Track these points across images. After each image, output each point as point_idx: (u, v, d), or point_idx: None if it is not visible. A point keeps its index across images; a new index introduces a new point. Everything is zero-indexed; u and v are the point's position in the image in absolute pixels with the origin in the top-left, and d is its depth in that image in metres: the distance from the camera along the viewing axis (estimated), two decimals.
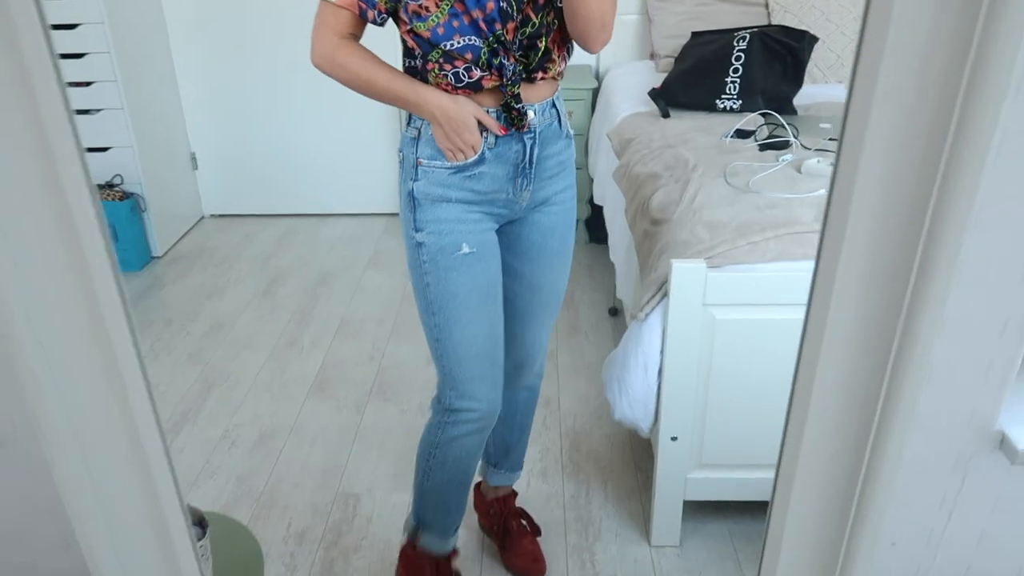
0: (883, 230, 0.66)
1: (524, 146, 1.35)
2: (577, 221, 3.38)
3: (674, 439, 1.75)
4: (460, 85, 1.29)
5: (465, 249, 1.36)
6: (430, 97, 1.29)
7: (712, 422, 1.74)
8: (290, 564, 1.87)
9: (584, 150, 3.28)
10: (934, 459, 0.82)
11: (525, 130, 1.33)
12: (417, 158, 1.34)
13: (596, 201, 2.98)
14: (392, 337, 2.80)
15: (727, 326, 1.64)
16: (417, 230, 1.37)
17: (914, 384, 0.67)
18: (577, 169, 3.40)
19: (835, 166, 0.70)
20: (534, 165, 1.38)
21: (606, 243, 2.72)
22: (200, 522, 1.14)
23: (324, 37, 1.28)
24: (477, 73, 1.27)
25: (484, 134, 1.31)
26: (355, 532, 1.96)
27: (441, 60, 1.28)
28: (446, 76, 1.28)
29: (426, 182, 1.34)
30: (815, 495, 0.79)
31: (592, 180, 3.14)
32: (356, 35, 1.31)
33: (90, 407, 0.79)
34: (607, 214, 2.68)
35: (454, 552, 1.69)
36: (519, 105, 1.30)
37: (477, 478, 1.93)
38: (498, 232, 1.45)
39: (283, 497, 2.08)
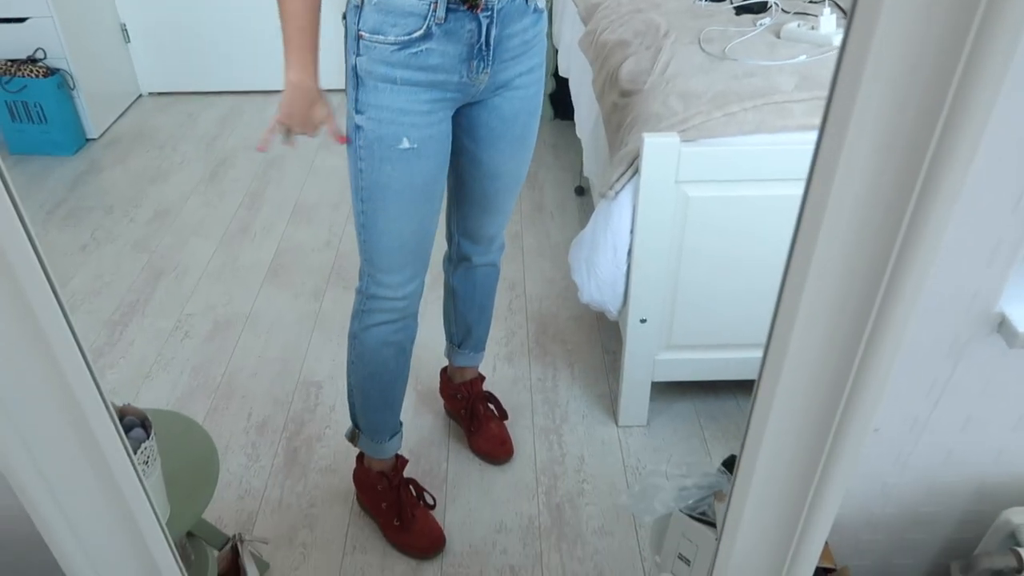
0: (899, 99, 0.56)
1: (479, 24, 1.19)
2: (548, 96, 3.23)
3: (643, 321, 1.70)
4: None
5: (405, 144, 1.24)
6: (303, 74, 1.24)
7: (682, 303, 1.69)
8: (252, 455, 1.83)
9: (548, 18, 3.07)
10: (928, 344, 0.76)
11: (480, 10, 1.17)
12: (359, 30, 1.19)
13: (561, 73, 2.81)
14: (349, 220, 2.68)
15: (700, 204, 1.56)
16: (358, 112, 1.25)
17: (922, 267, 0.60)
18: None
19: (847, 29, 0.59)
20: (492, 46, 1.22)
21: (572, 119, 2.59)
22: (143, 423, 1.07)
23: None
24: None
25: (432, 6, 1.15)
26: (318, 421, 1.92)
27: None
28: None
29: (368, 58, 1.20)
30: (805, 378, 0.73)
31: (557, 51, 2.95)
32: None
33: None
34: (573, 87, 2.53)
35: (401, 461, 1.64)
36: None
37: (443, 363, 1.88)
38: (455, 114, 1.32)
39: (241, 388, 2.02)
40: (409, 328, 1.48)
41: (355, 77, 1.24)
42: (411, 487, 1.65)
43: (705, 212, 1.57)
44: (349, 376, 1.55)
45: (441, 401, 1.93)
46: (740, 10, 2.05)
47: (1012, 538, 0.87)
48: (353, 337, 1.49)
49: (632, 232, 1.60)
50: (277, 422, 1.92)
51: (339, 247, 2.55)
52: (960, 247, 0.70)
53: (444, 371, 1.89)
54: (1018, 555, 0.86)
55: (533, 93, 1.37)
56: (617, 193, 1.59)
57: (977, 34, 0.53)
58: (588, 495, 1.73)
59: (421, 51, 1.19)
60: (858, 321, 0.65)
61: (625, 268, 1.66)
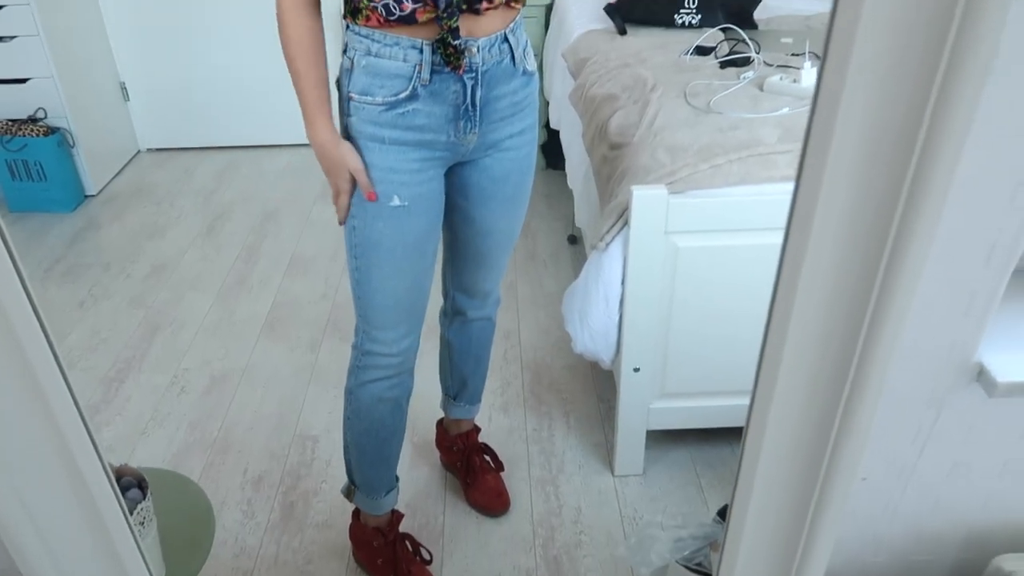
0: (869, 154, 0.59)
1: (464, 85, 1.21)
2: (540, 147, 3.29)
3: (636, 370, 1.71)
4: (392, 19, 1.15)
5: (396, 201, 1.26)
6: (321, 131, 1.25)
7: (674, 352, 1.70)
8: (248, 511, 1.82)
9: (540, 71, 3.14)
10: (910, 393, 0.78)
11: (462, 71, 1.20)
12: (349, 92, 1.23)
13: (552, 125, 2.87)
14: (345, 273, 2.70)
15: (689, 254, 1.59)
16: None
17: (898, 318, 0.62)
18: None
19: (818, 83, 0.63)
20: (478, 107, 1.25)
21: (563, 168, 2.64)
22: (140, 483, 1.07)
23: None
24: (409, 5, 1.13)
25: (417, 67, 1.19)
26: (314, 475, 1.92)
27: None
28: (376, 8, 1.15)
29: (358, 118, 1.23)
30: (791, 430, 0.75)
31: (548, 103, 3.02)
32: None
33: None
34: (564, 138, 2.58)
35: (396, 516, 1.63)
36: (456, 42, 1.16)
37: (438, 416, 1.89)
38: (448, 173, 1.35)
39: (238, 443, 2.01)
40: (405, 384, 1.48)
41: (347, 137, 1.27)
42: (407, 542, 1.64)
43: (694, 262, 1.60)
44: (345, 432, 1.55)
45: (437, 453, 1.93)
46: (724, 64, 2.11)
47: None
48: (349, 393, 1.50)
49: (623, 282, 1.63)
50: (273, 477, 1.91)
51: (335, 299, 2.57)
52: (936, 298, 0.72)
53: (440, 423, 1.90)
54: None
55: (525, 154, 1.39)
56: (608, 244, 1.62)
57: (939, 94, 0.56)
58: (585, 547, 1.72)
59: (408, 111, 1.21)
60: (839, 371, 0.67)
61: (617, 318, 1.68)
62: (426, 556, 1.65)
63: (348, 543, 1.71)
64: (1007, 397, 0.76)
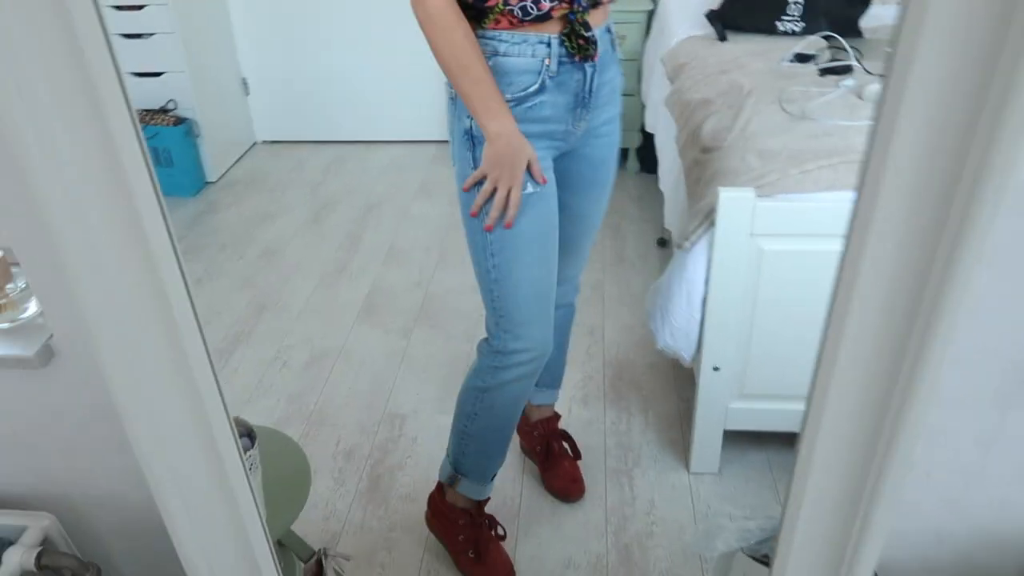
0: (929, 156, 0.63)
1: (585, 74, 1.28)
2: (628, 149, 3.33)
3: (716, 369, 1.74)
4: (527, 18, 1.20)
5: (529, 188, 1.30)
6: (503, 120, 1.22)
7: (755, 353, 1.72)
8: (339, 479, 1.95)
9: (637, 76, 3.19)
10: (974, 392, 0.80)
11: (595, 59, 1.26)
12: None
13: (648, 129, 2.91)
14: (439, 265, 2.83)
15: (774, 257, 1.61)
16: (476, 168, 1.31)
17: (952, 315, 0.65)
18: (629, 96, 3.31)
19: (883, 88, 0.67)
20: (592, 93, 1.32)
21: (656, 173, 2.67)
22: (249, 433, 1.20)
23: None
24: (546, 5, 1.19)
25: (545, 61, 1.25)
26: (400, 451, 2.03)
27: None
28: (512, 10, 1.20)
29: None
30: (846, 421, 0.79)
31: (644, 107, 3.06)
32: None
33: (138, 321, 0.82)
34: (658, 142, 2.62)
35: (485, 499, 1.68)
36: (589, 33, 1.22)
37: None
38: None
39: (332, 416, 2.15)
40: (538, 374, 1.50)
41: (470, 139, 1.30)
42: (491, 523, 1.70)
43: (779, 265, 1.61)
44: (465, 426, 1.55)
45: (517, 438, 2.01)
46: (824, 72, 2.10)
47: None
48: (482, 391, 1.49)
49: (707, 282, 1.66)
50: (363, 450, 2.04)
51: (428, 289, 2.69)
52: (1000, 297, 0.74)
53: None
54: None
55: (616, 140, 1.47)
56: (693, 244, 1.66)
57: (1000, 97, 0.59)
58: (657, 537, 1.76)
59: (535, 104, 1.27)
60: (893, 364, 0.71)
61: (699, 317, 1.71)
62: (500, 532, 1.72)
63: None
64: None
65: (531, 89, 1.26)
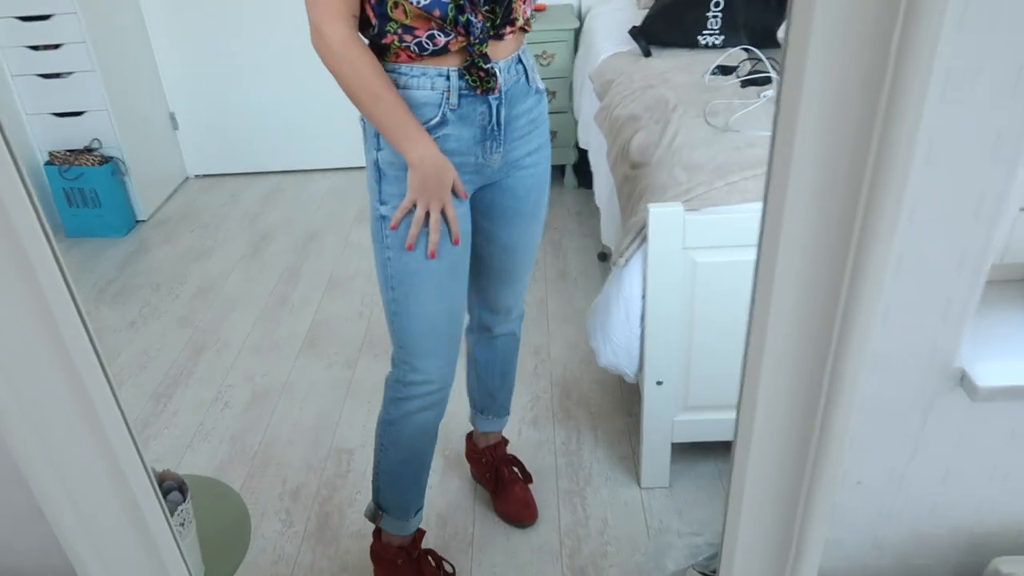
0: (830, 167, 0.64)
1: (490, 107, 1.27)
2: (564, 166, 3.35)
3: (659, 383, 1.75)
4: (425, 53, 1.21)
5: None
6: (423, 145, 1.22)
7: (696, 365, 1.74)
8: (286, 520, 1.90)
9: (568, 93, 3.22)
10: (895, 399, 0.81)
11: (495, 92, 1.25)
12: None
13: (582, 145, 2.93)
14: (375, 295, 2.79)
15: (708, 269, 1.63)
16: (382, 203, 1.31)
17: (865, 324, 0.66)
18: (562, 113, 3.33)
19: (777, 96, 0.68)
20: (503, 126, 1.30)
21: (593, 188, 2.69)
22: (180, 487, 1.15)
23: (335, 18, 1.17)
24: (442, 39, 1.19)
25: (445, 93, 1.24)
26: (349, 487, 1.99)
27: (400, 31, 1.19)
28: (407, 47, 1.20)
29: (389, 150, 1.27)
30: (775, 437, 0.79)
31: (577, 123, 3.09)
32: (355, 15, 1.20)
33: (39, 383, 0.78)
34: (591, 158, 2.64)
35: (420, 533, 1.67)
36: (488, 65, 1.22)
37: (468, 429, 1.95)
38: (471, 196, 1.40)
39: (277, 455, 2.10)
40: (442, 411, 1.51)
41: (377, 171, 1.31)
42: (430, 557, 1.68)
43: (713, 277, 1.63)
44: (379, 460, 1.56)
45: (468, 466, 1.99)
46: (746, 83, 2.15)
47: None
48: (388, 424, 1.51)
49: (643, 297, 1.67)
50: (310, 488, 1.99)
51: (371, 317, 2.66)
52: (914, 305, 0.76)
53: (469, 436, 1.95)
54: None
55: (543, 169, 1.45)
56: (628, 260, 1.67)
57: (886, 114, 0.60)
58: (611, 557, 1.75)
59: (438, 137, 1.26)
60: (814, 378, 0.72)
61: (639, 332, 1.72)
62: (448, 569, 1.70)
63: None
64: (990, 402, 0.79)
65: (433, 121, 1.25)
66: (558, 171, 3.41)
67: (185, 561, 0.95)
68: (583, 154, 3.10)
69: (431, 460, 1.60)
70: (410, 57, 1.22)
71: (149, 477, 0.88)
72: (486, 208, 1.44)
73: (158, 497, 0.89)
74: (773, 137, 0.66)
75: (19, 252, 0.71)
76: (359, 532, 1.86)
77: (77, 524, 0.85)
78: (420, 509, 1.64)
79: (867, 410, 0.81)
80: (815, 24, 0.57)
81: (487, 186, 1.41)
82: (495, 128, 1.30)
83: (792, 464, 0.78)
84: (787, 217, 0.64)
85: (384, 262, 1.35)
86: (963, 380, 0.79)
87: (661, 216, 1.57)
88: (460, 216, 1.35)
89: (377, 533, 1.68)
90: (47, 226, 0.71)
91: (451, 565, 1.71)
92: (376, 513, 1.62)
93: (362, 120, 1.31)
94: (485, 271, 1.56)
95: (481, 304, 1.65)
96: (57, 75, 3.07)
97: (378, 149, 1.29)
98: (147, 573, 0.91)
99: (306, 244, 3.16)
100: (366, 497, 1.95)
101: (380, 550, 1.68)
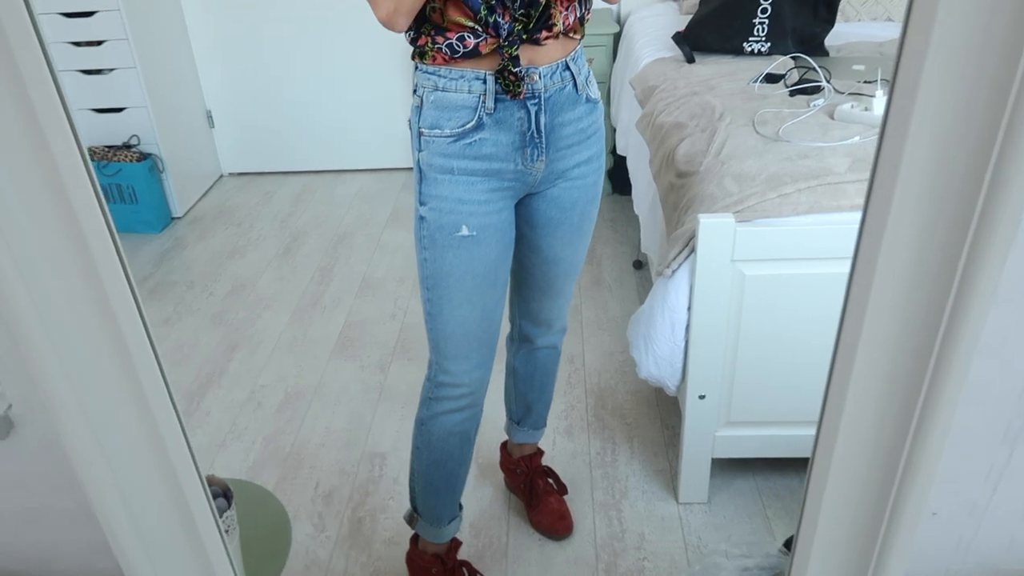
0: (938, 187, 0.60)
1: (528, 112, 1.25)
2: (607, 172, 3.32)
3: (702, 397, 1.71)
4: (456, 55, 1.20)
5: (464, 231, 1.30)
6: None
7: (740, 379, 1.70)
8: (318, 525, 1.89)
9: (607, 99, 3.19)
10: (982, 430, 0.78)
11: (521, 97, 1.23)
12: (420, 128, 1.28)
13: (619, 151, 2.90)
14: (414, 295, 2.78)
15: (756, 282, 1.59)
16: (421, 203, 1.31)
17: (966, 354, 0.63)
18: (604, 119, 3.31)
19: (886, 112, 0.64)
20: (543, 134, 1.28)
21: (630, 194, 2.66)
22: (225, 493, 1.14)
23: None
24: (472, 41, 1.19)
25: (481, 97, 1.23)
26: (382, 492, 1.97)
27: (432, 32, 1.20)
28: (440, 49, 1.21)
29: (428, 152, 1.27)
30: (857, 465, 0.76)
31: (615, 129, 3.05)
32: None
33: (100, 386, 0.76)
34: (630, 165, 2.61)
35: (456, 543, 1.66)
36: (516, 69, 1.20)
37: (503, 438, 1.92)
38: (517, 204, 1.38)
39: (310, 458, 2.09)
40: (475, 417, 1.50)
41: (419, 171, 1.31)
42: (465, 569, 1.66)
43: (762, 290, 1.60)
44: (412, 461, 1.57)
45: (501, 475, 1.96)
46: (794, 92, 2.11)
47: None
48: (420, 424, 1.52)
49: (689, 309, 1.64)
50: (343, 492, 1.97)
51: (404, 320, 2.64)
52: (1008, 333, 0.72)
53: (504, 445, 1.93)
54: None
55: (592, 183, 1.42)
56: (674, 271, 1.64)
57: (1011, 116, 0.56)
58: (648, 572, 1.72)
59: (475, 141, 1.25)
60: (906, 406, 0.68)
61: (683, 344, 1.69)
62: None
63: None
64: None
65: (469, 125, 1.24)
66: None
67: (234, 567, 0.93)
68: (619, 160, 3.07)
69: (466, 469, 1.58)
70: (445, 60, 1.22)
71: (201, 481, 0.87)
72: (530, 216, 1.42)
73: (210, 502, 0.88)
74: (880, 143, 0.62)
75: (84, 251, 0.69)
76: (392, 539, 1.84)
77: (129, 527, 0.83)
78: (455, 519, 1.62)
79: (952, 440, 0.77)
80: (933, 41, 0.54)
81: (533, 195, 1.39)
82: (535, 135, 1.28)
83: (874, 494, 0.74)
84: (890, 233, 0.61)
85: (422, 262, 1.36)
86: None
87: (711, 227, 1.54)
88: (503, 222, 1.34)
89: (414, 539, 1.67)
90: (115, 232, 0.69)
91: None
92: (412, 516, 1.62)
93: (409, 120, 1.31)
94: (527, 281, 1.54)
95: (523, 315, 1.62)
96: (98, 71, 3.10)
97: (419, 150, 1.29)
98: None
99: (337, 245, 3.15)
100: (399, 503, 1.93)
101: (415, 556, 1.67)
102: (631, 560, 1.75)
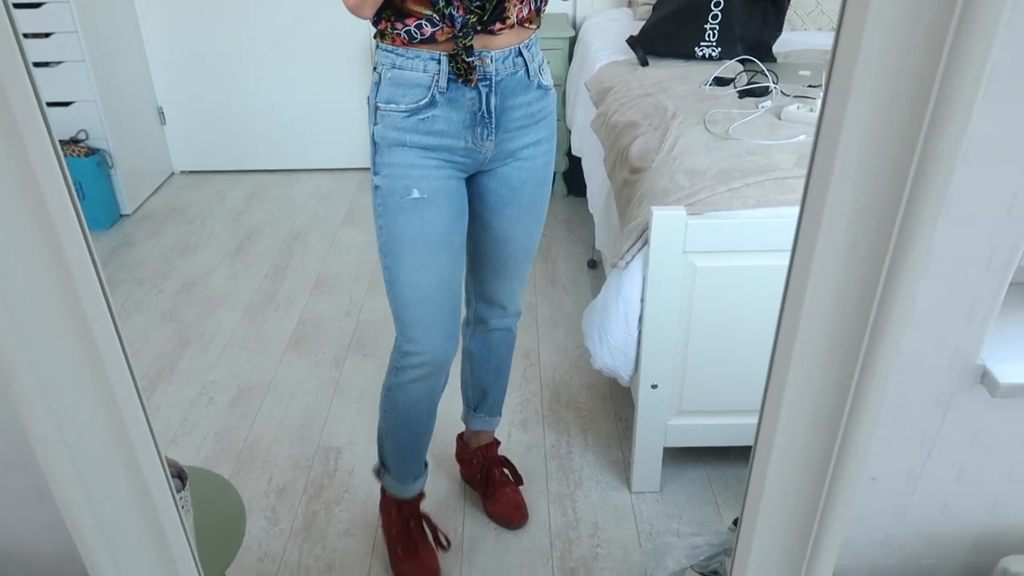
0: (870, 171, 0.64)
1: (479, 93, 1.32)
2: (555, 174, 3.36)
3: (654, 387, 1.75)
4: (414, 41, 1.28)
5: (415, 194, 1.35)
6: None
7: (692, 369, 1.74)
8: (272, 518, 1.87)
9: (562, 101, 3.23)
10: (917, 397, 0.82)
11: (472, 84, 1.30)
12: (376, 103, 1.34)
13: (575, 152, 2.94)
14: (369, 292, 2.77)
15: (707, 273, 1.64)
16: (375, 173, 1.38)
17: (899, 324, 0.67)
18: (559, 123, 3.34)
19: (822, 107, 0.68)
20: (494, 115, 1.35)
21: (584, 196, 2.70)
22: (179, 474, 1.13)
23: None
24: (429, 30, 1.26)
25: (435, 77, 1.29)
26: (336, 485, 1.96)
27: (392, 18, 1.27)
28: (399, 34, 1.28)
29: (383, 126, 1.34)
30: (799, 435, 0.79)
31: (570, 131, 3.10)
32: None
33: (60, 364, 0.76)
34: (585, 165, 2.65)
35: (420, 495, 1.73)
36: (469, 58, 1.28)
37: (460, 428, 1.94)
38: (469, 182, 1.44)
39: (263, 452, 2.07)
40: (439, 384, 1.56)
41: (373, 144, 1.37)
42: (424, 523, 1.73)
43: (712, 281, 1.64)
44: (380, 422, 1.64)
45: (458, 466, 1.97)
46: (743, 94, 2.17)
47: None
48: (388, 390, 1.57)
49: (642, 300, 1.67)
50: (297, 486, 1.96)
51: (359, 317, 2.63)
52: (939, 306, 0.77)
53: (460, 437, 1.94)
54: None
55: (541, 164, 1.47)
56: (628, 263, 1.67)
57: (932, 116, 0.61)
58: (602, 560, 1.75)
59: (427, 117, 1.32)
60: (845, 375, 0.72)
61: (636, 335, 1.72)
62: (443, 542, 1.74)
63: (369, 551, 1.75)
64: (1010, 399, 0.80)
65: (422, 102, 1.31)
66: None
67: (191, 546, 0.93)
68: (575, 162, 3.11)
69: (430, 431, 1.64)
70: (404, 43, 1.29)
71: (160, 458, 0.86)
72: (481, 193, 1.47)
73: (168, 478, 0.87)
74: (817, 134, 0.66)
75: (52, 244, 0.70)
76: (346, 531, 1.83)
77: (86, 505, 0.83)
78: (419, 477, 1.69)
79: (887, 407, 0.81)
80: (869, 15, 0.58)
81: (483, 173, 1.44)
82: (485, 115, 1.34)
83: (815, 461, 0.78)
84: (827, 215, 0.65)
85: (378, 231, 1.41)
86: (984, 377, 0.80)
87: (664, 219, 1.58)
88: (453, 188, 1.40)
89: (383, 489, 1.76)
90: (84, 221, 0.69)
91: (447, 539, 1.76)
92: (380, 470, 1.71)
93: (368, 98, 1.37)
94: (481, 260, 1.58)
95: (478, 297, 1.66)
96: (46, 64, 3.02)
97: (375, 124, 1.36)
98: (153, 559, 0.89)
99: (291, 243, 3.13)
100: (354, 496, 1.93)
101: (385, 501, 1.77)
102: (585, 547, 1.78)
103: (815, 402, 0.79)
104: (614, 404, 2.21)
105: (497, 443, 1.91)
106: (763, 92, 2.16)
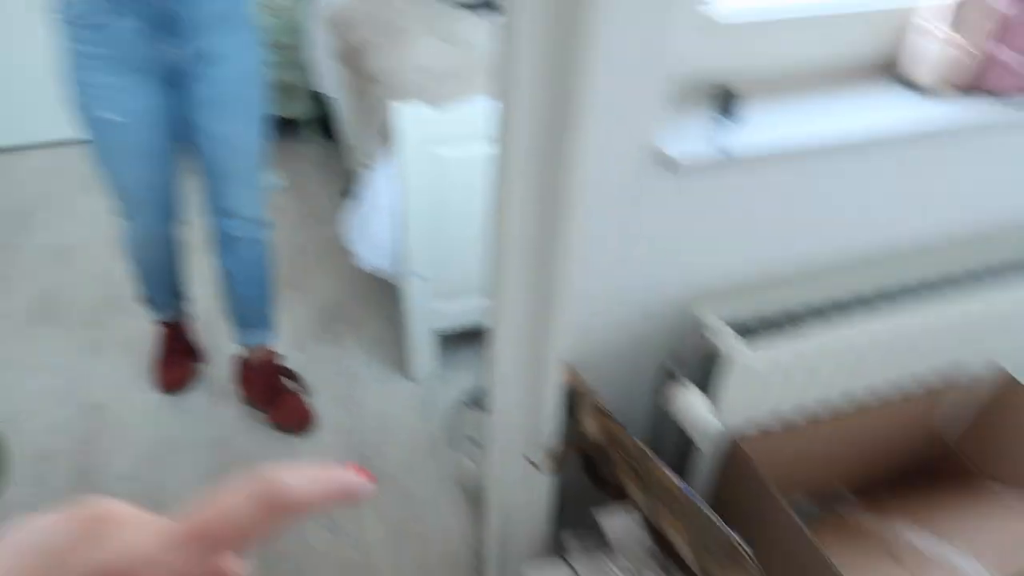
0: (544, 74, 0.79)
1: (150, 2, 1.34)
2: (310, 120, 3.31)
3: (417, 276, 1.85)
4: None
5: (108, 115, 1.43)
6: None
7: (452, 255, 1.86)
8: (40, 482, 1.75)
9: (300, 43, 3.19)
10: (612, 183, 0.98)
11: None
12: (55, 13, 1.35)
13: (321, 89, 2.94)
14: (116, 257, 2.60)
15: (453, 164, 1.75)
16: (66, 87, 1.42)
17: (586, 119, 0.82)
18: (301, 70, 3.26)
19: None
20: (172, 19, 1.36)
21: (332, 138, 2.72)
22: None
23: None
24: None
25: None
26: (107, 438, 1.87)
27: None
28: None
29: (62, 38, 1.36)
30: (523, 236, 0.93)
31: (314, 73, 3.08)
32: None
33: None
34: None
35: (184, 324, 1.98)
36: None
37: (236, 351, 1.92)
38: (174, 86, 1.47)
39: (16, 426, 1.91)
40: (163, 232, 1.73)
41: (58, 58, 1.38)
42: (191, 344, 2.02)
43: (458, 171, 1.76)
44: (127, 263, 1.83)
45: (237, 393, 1.96)
46: (462, 6, 2.32)
47: (701, 326, 1.10)
48: (121, 239, 1.75)
49: (397, 194, 1.76)
50: (63, 446, 1.84)
51: (110, 279, 2.47)
52: (618, 98, 0.92)
53: (236, 358, 1.94)
54: (704, 337, 1.09)
55: (240, 63, 1.50)
56: (377, 163, 1.75)
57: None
58: (392, 444, 1.84)
59: (95, 26, 1.34)
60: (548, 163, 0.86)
61: (394, 228, 1.81)
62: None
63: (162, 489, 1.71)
64: (685, 177, 1.00)
65: (86, 12, 1.33)
66: (296, 125, 3.36)
67: None
68: (321, 106, 3.10)
69: (173, 267, 1.83)
70: None
71: None
72: (188, 96, 1.50)
73: None
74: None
75: None
76: (126, 474, 1.77)
77: None
78: (171, 306, 1.91)
79: (590, 203, 0.97)
80: None
81: (186, 75, 1.46)
82: (166, 21, 1.36)
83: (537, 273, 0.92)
84: (514, 63, 0.78)
85: (78, 108, 1.47)
86: (664, 159, 0.97)
87: (404, 113, 1.67)
88: (150, 107, 1.47)
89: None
90: None
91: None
92: (139, 297, 1.90)
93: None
94: (204, 167, 1.60)
95: (213, 210, 1.67)
96: None
97: (58, 36, 1.38)
98: None
99: (25, 221, 2.83)
100: (129, 442, 1.85)
101: (153, 329, 2.01)
102: (375, 436, 1.86)
103: (532, 194, 0.93)
104: (381, 307, 2.30)
105: (274, 354, 1.92)
106: (481, 6, 2.32)
